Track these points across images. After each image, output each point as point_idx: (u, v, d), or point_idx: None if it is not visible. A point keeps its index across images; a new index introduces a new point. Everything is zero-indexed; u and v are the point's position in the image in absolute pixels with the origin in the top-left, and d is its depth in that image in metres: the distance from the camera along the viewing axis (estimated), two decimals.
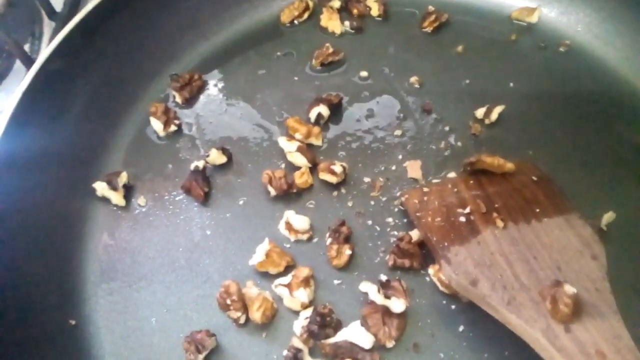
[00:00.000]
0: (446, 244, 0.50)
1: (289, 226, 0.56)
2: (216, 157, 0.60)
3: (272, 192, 0.58)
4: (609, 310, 0.45)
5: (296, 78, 0.67)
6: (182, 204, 0.60)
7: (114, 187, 0.58)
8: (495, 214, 0.52)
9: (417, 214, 0.54)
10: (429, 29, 0.70)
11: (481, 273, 0.48)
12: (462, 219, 0.52)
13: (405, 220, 0.57)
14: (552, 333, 0.43)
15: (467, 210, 0.52)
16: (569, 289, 0.44)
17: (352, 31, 0.71)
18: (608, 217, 0.55)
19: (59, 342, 0.52)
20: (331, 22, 0.70)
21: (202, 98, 0.67)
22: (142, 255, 0.57)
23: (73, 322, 0.53)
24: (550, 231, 0.50)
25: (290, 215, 0.56)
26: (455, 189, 0.55)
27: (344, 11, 0.72)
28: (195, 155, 0.62)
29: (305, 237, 0.56)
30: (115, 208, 0.60)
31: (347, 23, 0.71)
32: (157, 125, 0.63)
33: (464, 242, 0.50)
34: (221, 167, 0.61)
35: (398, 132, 0.63)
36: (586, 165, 0.59)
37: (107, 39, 0.63)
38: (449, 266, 0.49)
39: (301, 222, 0.56)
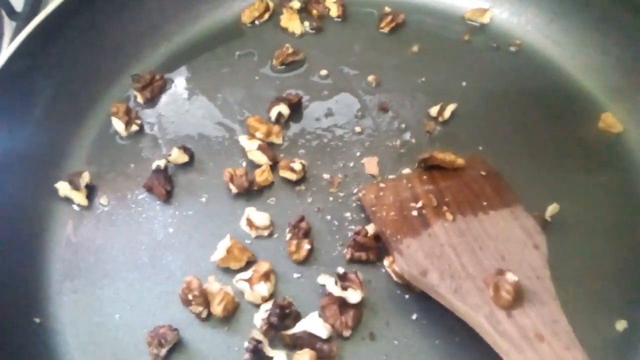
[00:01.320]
0: (399, 237, 0.53)
1: (249, 223, 0.58)
2: (178, 156, 0.61)
3: (234, 189, 0.59)
4: (548, 296, 0.48)
5: (257, 78, 0.69)
6: (145, 203, 0.61)
7: (76, 187, 0.59)
8: (445, 208, 0.54)
9: (373, 209, 0.56)
10: (386, 29, 0.72)
11: (431, 264, 0.50)
12: (415, 212, 0.55)
13: (362, 215, 0.59)
14: (495, 318, 0.46)
15: (419, 204, 0.55)
16: (511, 277, 0.47)
17: (312, 31, 0.72)
18: (552, 208, 0.58)
19: (24, 340, 0.52)
20: (291, 22, 0.72)
21: (164, 98, 0.68)
22: (106, 253, 0.58)
23: (38, 320, 0.54)
24: (496, 223, 0.53)
25: (251, 212, 0.58)
26: (409, 184, 0.58)
27: (303, 12, 0.74)
28: (158, 154, 0.64)
29: (265, 232, 0.58)
30: (78, 207, 0.60)
31: (306, 23, 0.73)
32: (118, 125, 0.64)
33: (416, 235, 0.53)
34: (183, 166, 0.62)
35: (357, 130, 0.65)
36: (533, 159, 0.63)
37: (69, 40, 0.64)
38: (401, 258, 0.51)
39: (262, 218, 0.58)
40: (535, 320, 0.46)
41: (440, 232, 0.53)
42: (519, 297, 0.47)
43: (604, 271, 0.57)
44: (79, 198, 0.60)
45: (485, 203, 0.55)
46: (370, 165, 0.63)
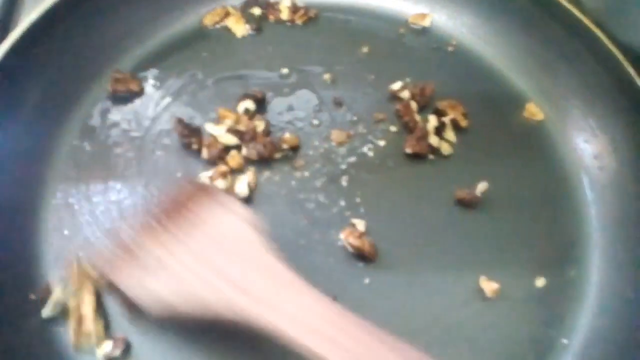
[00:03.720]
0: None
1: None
2: None
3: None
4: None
5: (223, 77, 0.76)
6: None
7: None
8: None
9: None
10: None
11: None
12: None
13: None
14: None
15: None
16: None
17: (254, 33, 0.80)
18: (482, 186, 0.68)
19: (20, 317, 0.59)
20: (237, 26, 0.79)
21: (137, 97, 0.74)
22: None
23: (33, 297, 0.60)
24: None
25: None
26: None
27: (264, 18, 0.82)
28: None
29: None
30: (66, 201, 0.67)
31: (247, 27, 0.80)
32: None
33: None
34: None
35: (314, 122, 0.73)
36: (466, 143, 0.72)
37: (54, 45, 0.70)
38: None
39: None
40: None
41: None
42: None
43: (526, 239, 0.67)
44: None
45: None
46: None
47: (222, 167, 0.67)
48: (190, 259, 0.52)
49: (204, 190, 0.58)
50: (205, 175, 0.66)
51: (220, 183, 0.65)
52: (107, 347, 0.57)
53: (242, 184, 0.65)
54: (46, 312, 0.58)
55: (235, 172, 0.68)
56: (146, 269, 0.52)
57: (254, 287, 0.49)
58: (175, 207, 0.56)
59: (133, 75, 0.74)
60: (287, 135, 0.71)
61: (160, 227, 0.54)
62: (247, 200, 0.66)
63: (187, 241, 0.53)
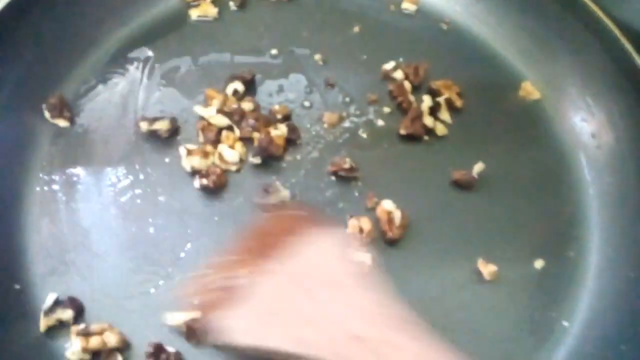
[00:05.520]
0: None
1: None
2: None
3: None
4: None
5: (212, 58, 0.73)
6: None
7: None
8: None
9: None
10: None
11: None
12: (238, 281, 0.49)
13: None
14: None
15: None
16: None
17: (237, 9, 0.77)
18: (478, 167, 0.67)
19: (5, 307, 0.57)
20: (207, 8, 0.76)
21: (123, 79, 0.71)
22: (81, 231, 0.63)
23: (18, 287, 0.58)
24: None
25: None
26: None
27: None
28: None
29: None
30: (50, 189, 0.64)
31: (231, 4, 0.77)
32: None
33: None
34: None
35: (306, 104, 0.71)
36: (461, 123, 0.71)
37: (32, 27, 0.67)
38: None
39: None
40: None
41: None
42: None
43: (524, 220, 0.66)
44: None
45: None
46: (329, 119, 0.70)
47: (207, 147, 0.65)
48: (296, 300, 0.47)
49: (300, 220, 0.54)
50: (184, 152, 0.64)
51: (201, 162, 0.64)
52: None
53: (232, 153, 0.63)
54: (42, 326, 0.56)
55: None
56: (249, 307, 0.47)
57: (363, 331, 0.44)
58: (269, 240, 0.51)
59: (66, 108, 0.68)
60: (276, 106, 0.69)
61: (255, 262, 0.50)
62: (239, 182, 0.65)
63: (288, 277, 0.48)
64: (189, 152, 0.64)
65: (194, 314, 0.55)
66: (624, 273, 0.61)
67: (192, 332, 0.55)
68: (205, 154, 0.65)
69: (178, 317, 0.56)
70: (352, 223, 0.62)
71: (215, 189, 0.64)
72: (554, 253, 0.64)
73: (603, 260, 0.63)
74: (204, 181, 0.63)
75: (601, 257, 0.63)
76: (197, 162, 0.64)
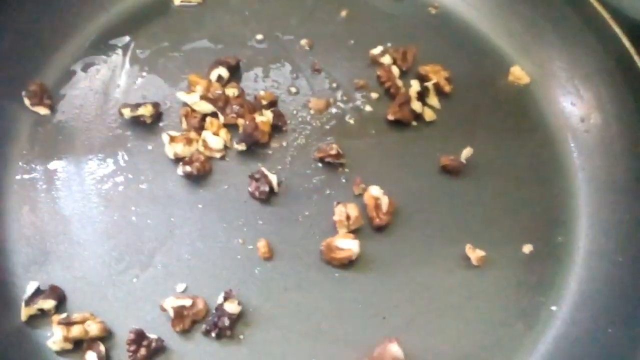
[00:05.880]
0: None
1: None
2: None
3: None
4: None
5: (195, 45, 0.72)
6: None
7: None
8: None
9: None
10: None
11: None
12: None
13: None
14: None
15: None
16: None
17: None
18: (467, 152, 0.66)
19: None
20: None
21: (104, 70, 0.70)
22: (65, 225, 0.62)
23: None
24: None
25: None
26: None
27: None
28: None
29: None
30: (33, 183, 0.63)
31: None
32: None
33: None
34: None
35: (292, 90, 0.70)
36: (452, 109, 0.70)
37: (5, 15, 0.65)
38: None
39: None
40: None
41: None
42: None
43: (512, 205, 0.65)
44: None
45: None
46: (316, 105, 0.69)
47: (190, 134, 0.64)
48: None
49: None
50: (167, 139, 0.63)
51: (185, 149, 0.63)
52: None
53: (217, 140, 0.63)
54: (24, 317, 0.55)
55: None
56: None
57: None
58: None
59: (46, 95, 0.67)
60: (261, 92, 0.68)
61: None
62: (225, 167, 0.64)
63: None
64: (172, 139, 0.63)
65: (185, 301, 0.55)
66: (612, 257, 0.61)
67: (179, 318, 0.55)
68: (189, 141, 0.63)
69: (170, 302, 0.55)
70: (339, 210, 0.61)
71: (199, 176, 0.63)
72: (543, 238, 0.63)
73: (591, 244, 0.63)
74: (188, 168, 0.62)
75: (589, 241, 0.63)
76: (180, 149, 0.63)
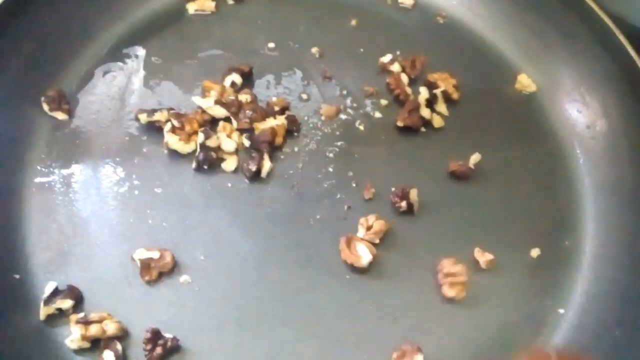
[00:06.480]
0: None
1: None
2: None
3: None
4: None
5: (209, 53, 0.73)
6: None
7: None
8: None
9: None
10: None
11: None
12: None
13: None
14: None
15: None
16: None
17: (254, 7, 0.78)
18: (475, 157, 0.67)
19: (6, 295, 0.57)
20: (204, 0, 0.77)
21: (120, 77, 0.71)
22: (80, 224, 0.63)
23: (17, 276, 0.58)
24: None
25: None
26: None
27: None
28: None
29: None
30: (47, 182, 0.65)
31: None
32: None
33: None
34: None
35: (303, 97, 0.71)
36: (460, 116, 0.71)
37: (25, 24, 0.67)
38: None
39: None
40: None
41: None
42: None
43: (520, 210, 0.66)
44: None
45: None
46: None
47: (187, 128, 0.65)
48: None
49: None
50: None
51: (185, 147, 0.65)
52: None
53: (230, 142, 0.64)
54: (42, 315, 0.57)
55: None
56: None
57: None
58: None
59: (64, 101, 0.68)
60: (273, 98, 0.69)
61: None
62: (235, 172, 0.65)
63: None
64: (173, 131, 0.65)
65: (153, 253, 0.58)
66: (619, 261, 0.62)
67: (146, 269, 0.58)
68: (188, 136, 0.65)
69: (141, 254, 0.58)
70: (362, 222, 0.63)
71: (210, 167, 0.65)
72: (550, 242, 0.64)
73: (598, 248, 0.64)
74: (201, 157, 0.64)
75: (596, 245, 0.64)
76: (175, 141, 0.64)
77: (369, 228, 0.62)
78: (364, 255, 0.60)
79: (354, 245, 0.61)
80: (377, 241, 0.62)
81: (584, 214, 0.66)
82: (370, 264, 0.60)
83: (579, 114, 0.72)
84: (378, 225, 0.62)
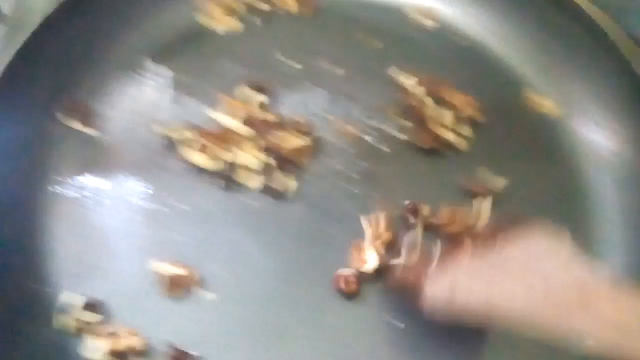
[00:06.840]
0: None
1: None
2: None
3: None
4: None
5: (233, 70, 0.74)
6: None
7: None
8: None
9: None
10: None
11: None
12: None
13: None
14: None
15: None
16: None
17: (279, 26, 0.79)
18: (499, 181, 0.67)
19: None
20: (221, 18, 0.78)
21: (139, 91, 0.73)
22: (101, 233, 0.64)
23: (39, 288, 0.59)
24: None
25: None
26: None
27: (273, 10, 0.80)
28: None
29: None
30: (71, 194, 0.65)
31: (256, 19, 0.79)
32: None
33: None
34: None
35: (328, 117, 0.72)
36: (483, 139, 0.71)
37: (50, 37, 0.69)
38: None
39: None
40: None
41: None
42: None
43: None
44: None
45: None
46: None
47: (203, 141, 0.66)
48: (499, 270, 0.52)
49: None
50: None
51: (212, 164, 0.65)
52: None
53: (255, 161, 0.65)
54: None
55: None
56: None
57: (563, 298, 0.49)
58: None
59: (87, 114, 0.70)
60: (297, 118, 0.70)
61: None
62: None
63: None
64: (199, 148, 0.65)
65: (180, 270, 0.58)
66: None
67: (170, 284, 0.59)
68: (215, 155, 0.65)
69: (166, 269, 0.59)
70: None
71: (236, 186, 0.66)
72: None
73: (629, 277, 0.63)
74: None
75: (625, 274, 0.63)
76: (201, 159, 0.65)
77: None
78: (371, 259, 0.60)
79: (362, 248, 0.62)
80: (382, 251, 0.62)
81: (612, 242, 0.65)
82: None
83: (604, 138, 0.72)
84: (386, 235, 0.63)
